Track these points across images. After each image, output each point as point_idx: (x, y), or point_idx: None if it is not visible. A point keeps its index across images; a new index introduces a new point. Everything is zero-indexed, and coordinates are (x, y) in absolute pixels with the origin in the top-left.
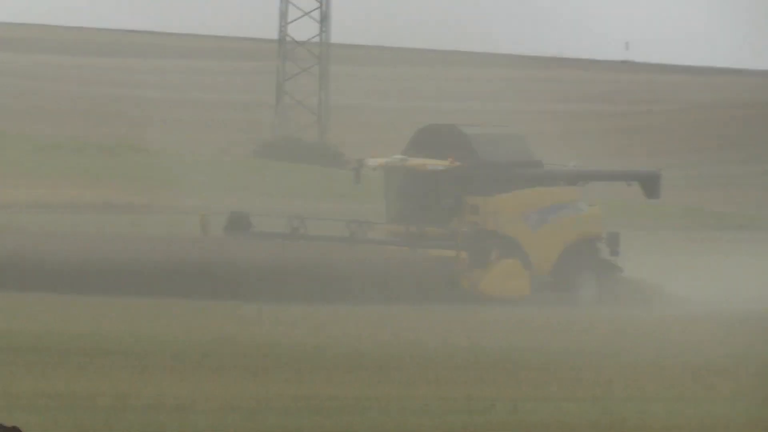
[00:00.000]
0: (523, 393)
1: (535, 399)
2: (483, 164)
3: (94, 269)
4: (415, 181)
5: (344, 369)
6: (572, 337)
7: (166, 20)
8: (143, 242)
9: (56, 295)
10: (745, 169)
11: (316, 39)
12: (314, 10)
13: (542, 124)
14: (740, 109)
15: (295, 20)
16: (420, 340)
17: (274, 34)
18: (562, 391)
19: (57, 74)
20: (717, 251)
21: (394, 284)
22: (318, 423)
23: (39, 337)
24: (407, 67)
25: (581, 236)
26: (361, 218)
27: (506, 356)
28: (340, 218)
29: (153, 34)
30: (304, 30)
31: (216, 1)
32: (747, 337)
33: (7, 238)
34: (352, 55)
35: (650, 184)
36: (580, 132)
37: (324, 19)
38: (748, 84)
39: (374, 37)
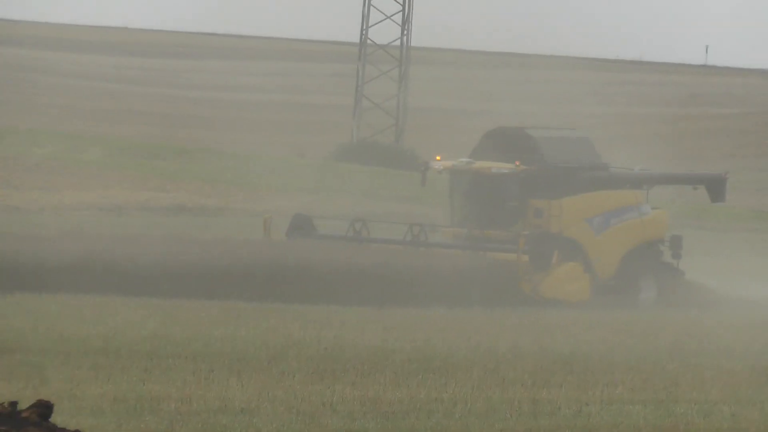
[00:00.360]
0: (588, 396)
1: (600, 402)
2: (549, 167)
3: (161, 272)
4: (481, 184)
5: (409, 372)
6: (637, 340)
7: (247, 23)
8: (211, 245)
9: (124, 298)
10: None
11: (397, 42)
12: (396, 13)
13: (619, 126)
14: None
15: (376, 23)
16: (486, 343)
17: (355, 38)
18: (627, 393)
19: (135, 77)
20: None
21: (457, 288)
22: (383, 426)
23: (106, 340)
24: (486, 70)
25: (644, 240)
26: (427, 221)
27: (572, 359)
28: (404, 221)
29: (233, 37)
30: (385, 33)
31: (298, 4)
32: None
33: (79, 240)
34: (431, 57)
35: (716, 188)
36: (657, 135)
37: (405, 22)
38: None
39: (453, 40)
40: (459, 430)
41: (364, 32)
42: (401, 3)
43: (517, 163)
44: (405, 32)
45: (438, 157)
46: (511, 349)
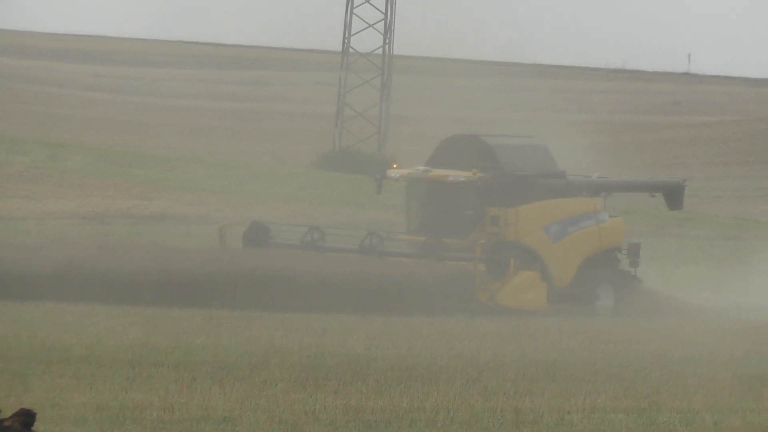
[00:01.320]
0: (570, 404)
1: (583, 410)
2: (505, 175)
3: (143, 280)
4: (437, 192)
5: (392, 380)
6: (619, 348)
7: (231, 31)
8: (192, 253)
9: (106, 306)
10: None
11: (379, 51)
12: (378, 22)
13: (599, 135)
14: None
15: (359, 32)
16: (468, 351)
17: (338, 46)
18: (610, 402)
19: (114, 85)
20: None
21: (413, 296)
22: None
23: (88, 348)
24: (469, 79)
25: (602, 248)
26: (384, 229)
27: (554, 367)
28: (361, 228)
29: (215, 46)
30: (367, 42)
31: (280, 13)
32: None
33: (61, 249)
34: (413, 66)
35: (674, 195)
36: (637, 143)
37: (387, 31)
38: None
39: (436, 49)
40: None
41: (346, 41)
42: (383, 12)
43: (474, 171)
44: (387, 41)
45: (395, 165)
46: (493, 358)
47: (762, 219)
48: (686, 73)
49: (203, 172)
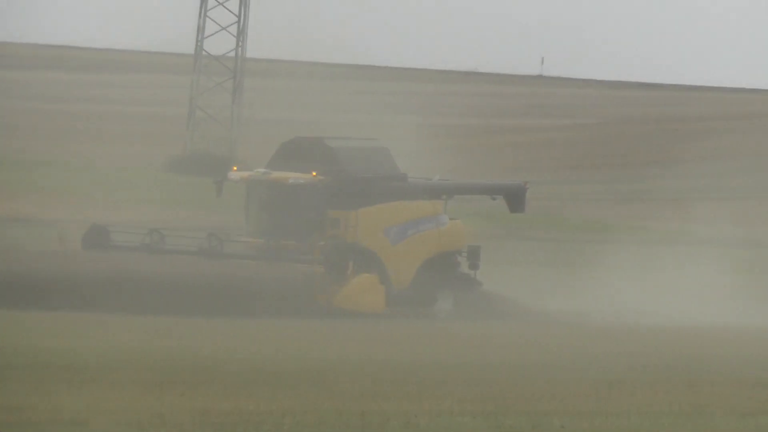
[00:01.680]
0: (417, 408)
1: (430, 414)
2: (346, 177)
3: None
4: (277, 194)
5: (239, 383)
6: (468, 352)
7: (83, 34)
8: (42, 256)
9: None
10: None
11: (232, 53)
12: (231, 24)
13: (453, 138)
14: (652, 124)
15: (212, 35)
16: (316, 354)
17: (191, 49)
18: (457, 405)
19: None
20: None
21: (252, 298)
22: None
23: None
24: (321, 82)
25: (441, 250)
26: (222, 231)
27: (402, 371)
28: (202, 231)
29: (69, 48)
30: (221, 44)
31: (133, 15)
32: (635, 349)
33: None
34: (267, 68)
35: (515, 198)
36: (490, 146)
37: (240, 34)
38: (663, 98)
39: (289, 52)
40: None
41: (199, 43)
42: (237, 14)
43: (314, 173)
44: (240, 43)
45: (234, 168)
46: (340, 360)
47: (616, 222)
48: (539, 76)
49: (55, 174)
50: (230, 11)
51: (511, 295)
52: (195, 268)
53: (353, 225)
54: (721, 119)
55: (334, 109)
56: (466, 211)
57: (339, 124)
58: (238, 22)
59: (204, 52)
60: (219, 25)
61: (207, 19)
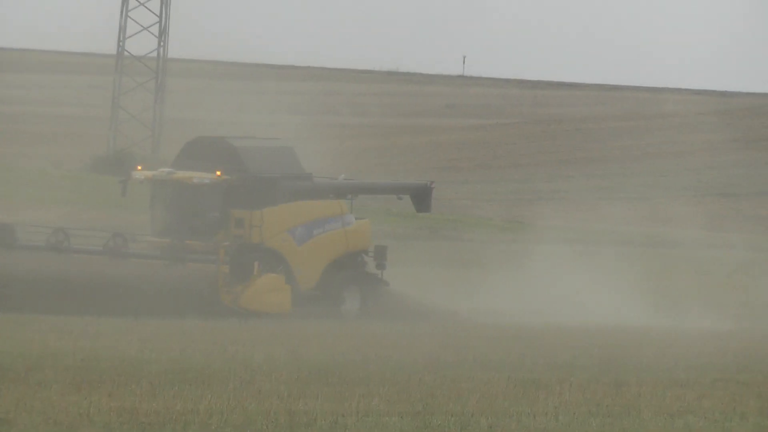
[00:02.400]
0: (344, 407)
1: (357, 413)
2: (250, 177)
3: None
4: (182, 194)
5: (165, 383)
6: (393, 351)
7: (3, 34)
8: None
9: None
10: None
11: (154, 54)
12: (153, 25)
13: (373, 138)
14: (574, 123)
15: (133, 35)
16: (242, 354)
17: (113, 49)
18: (384, 405)
19: None
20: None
21: (155, 298)
22: None
23: None
24: (242, 82)
25: (348, 250)
26: (127, 231)
27: (327, 370)
28: (106, 231)
29: None
30: (142, 45)
31: (53, 16)
32: (554, 349)
33: None
34: (188, 69)
35: (421, 198)
36: (411, 146)
37: (162, 34)
38: (587, 98)
39: (210, 52)
40: None
41: (121, 44)
42: (158, 15)
43: (218, 173)
44: (162, 44)
45: (139, 167)
46: (266, 360)
47: (536, 222)
48: (461, 76)
49: None
50: (151, 11)
51: (416, 295)
52: (99, 268)
53: (258, 225)
54: (639, 119)
55: (255, 109)
56: (375, 210)
57: (259, 125)
58: (160, 22)
59: (126, 53)
60: (141, 25)
61: (128, 19)
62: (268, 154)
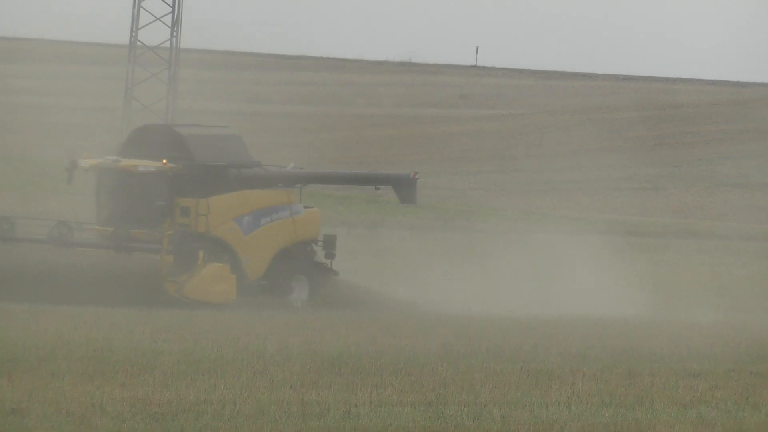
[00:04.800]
0: (357, 397)
1: (370, 403)
2: (197, 165)
3: None
4: (128, 182)
5: (178, 373)
6: (406, 341)
7: (19, 25)
8: None
9: None
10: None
11: (167, 44)
12: (166, 15)
13: (387, 128)
14: (587, 113)
15: (146, 25)
16: (254, 344)
17: (125, 40)
18: (397, 395)
19: None
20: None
21: (100, 287)
22: (152, 427)
23: None
24: (256, 72)
25: (296, 239)
26: (74, 219)
27: (340, 360)
28: (51, 219)
29: (4, 40)
30: (155, 35)
31: (66, 7)
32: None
33: None
34: (202, 59)
35: (404, 189)
36: (424, 136)
37: (175, 24)
38: (601, 89)
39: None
40: None
41: (133, 34)
42: (171, 5)
43: (165, 161)
44: (174, 34)
45: (86, 155)
46: (279, 351)
47: (548, 212)
48: (474, 66)
49: None
50: (164, 1)
51: (366, 285)
52: (43, 256)
53: (204, 214)
54: (653, 109)
55: (268, 100)
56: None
57: (273, 115)
58: (173, 12)
59: (138, 43)
60: (153, 15)
61: (141, 9)
62: (216, 142)
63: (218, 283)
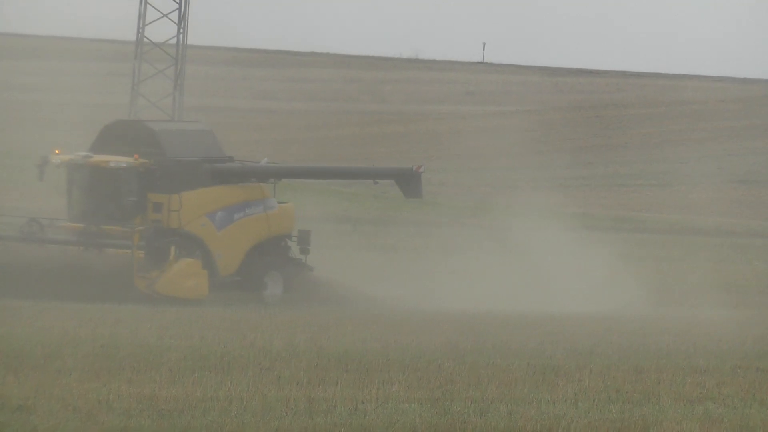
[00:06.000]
0: (363, 394)
1: (376, 400)
2: (168, 160)
3: None
4: (99, 178)
5: (185, 369)
6: (413, 337)
7: (24, 21)
8: None
9: None
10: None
11: (173, 41)
12: (173, 11)
13: (392, 125)
14: (594, 109)
15: (152, 22)
16: (261, 341)
17: (132, 36)
18: (403, 391)
19: None
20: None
21: (72, 283)
22: (158, 423)
23: None
24: (263, 69)
25: (270, 235)
26: (45, 216)
27: (347, 357)
28: (22, 216)
29: (11, 36)
30: (162, 31)
31: (73, 3)
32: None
33: None
34: (209, 56)
35: (408, 183)
36: (431, 132)
37: (181, 21)
38: (608, 85)
39: (231, 39)
40: (235, 428)
41: (140, 31)
42: (177, 1)
43: (136, 156)
44: (181, 30)
45: (57, 151)
46: (286, 347)
47: (555, 209)
48: (481, 63)
49: None
50: None
51: (341, 280)
52: (13, 254)
53: (176, 209)
54: (659, 106)
55: (275, 96)
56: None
57: (278, 112)
58: (179, 8)
59: (145, 39)
60: (160, 12)
61: (148, 5)
62: (187, 137)
63: (189, 278)
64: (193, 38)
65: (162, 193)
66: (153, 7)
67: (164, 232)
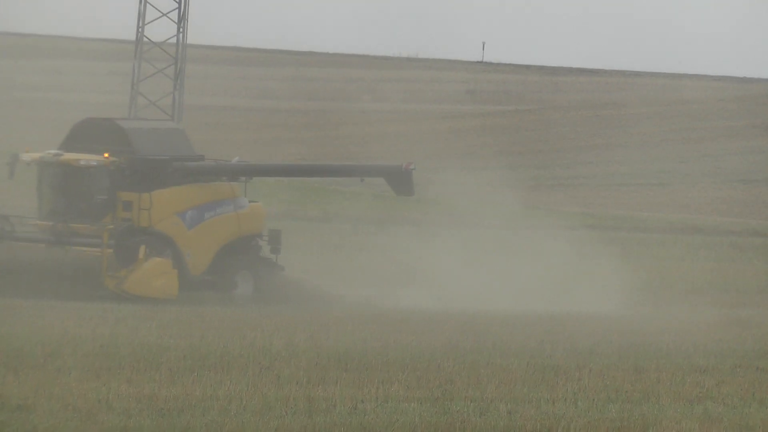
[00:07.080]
0: (363, 393)
1: (376, 399)
2: (139, 159)
3: None
4: (69, 176)
5: (184, 369)
6: (412, 337)
7: (25, 21)
8: None
9: None
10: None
11: (173, 40)
12: (172, 11)
13: (393, 124)
14: (593, 109)
15: (152, 21)
16: (261, 340)
17: (131, 35)
18: (403, 391)
19: None
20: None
21: (40, 281)
22: (158, 423)
23: None
24: (262, 68)
25: (241, 234)
26: (13, 213)
27: (347, 356)
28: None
29: (11, 35)
30: (161, 31)
31: (73, 2)
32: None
33: None
34: (208, 55)
35: (398, 181)
36: (430, 132)
37: (181, 20)
38: (607, 84)
39: (230, 38)
40: (234, 428)
41: (140, 30)
42: (177, 1)
43: (107, 154)
44: (181, 30)
45: (27, 149)
46: (286, 347)
47: (554, 208)
48: (480, 62)
49: None
50: None
51: (311, 280)
52: None
53: (146, 208)
54: (659, 105)
55: (274, 95)
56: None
57: (279, 111)
58: (179, 8)
59: (145, 39)
60: (160, 11)
61: (147, 5)
62: (158, 135)
63: (159, 277)
64: (192, 37)
65: (132, 192)
66: (153, 6)
67: (134, 231)
